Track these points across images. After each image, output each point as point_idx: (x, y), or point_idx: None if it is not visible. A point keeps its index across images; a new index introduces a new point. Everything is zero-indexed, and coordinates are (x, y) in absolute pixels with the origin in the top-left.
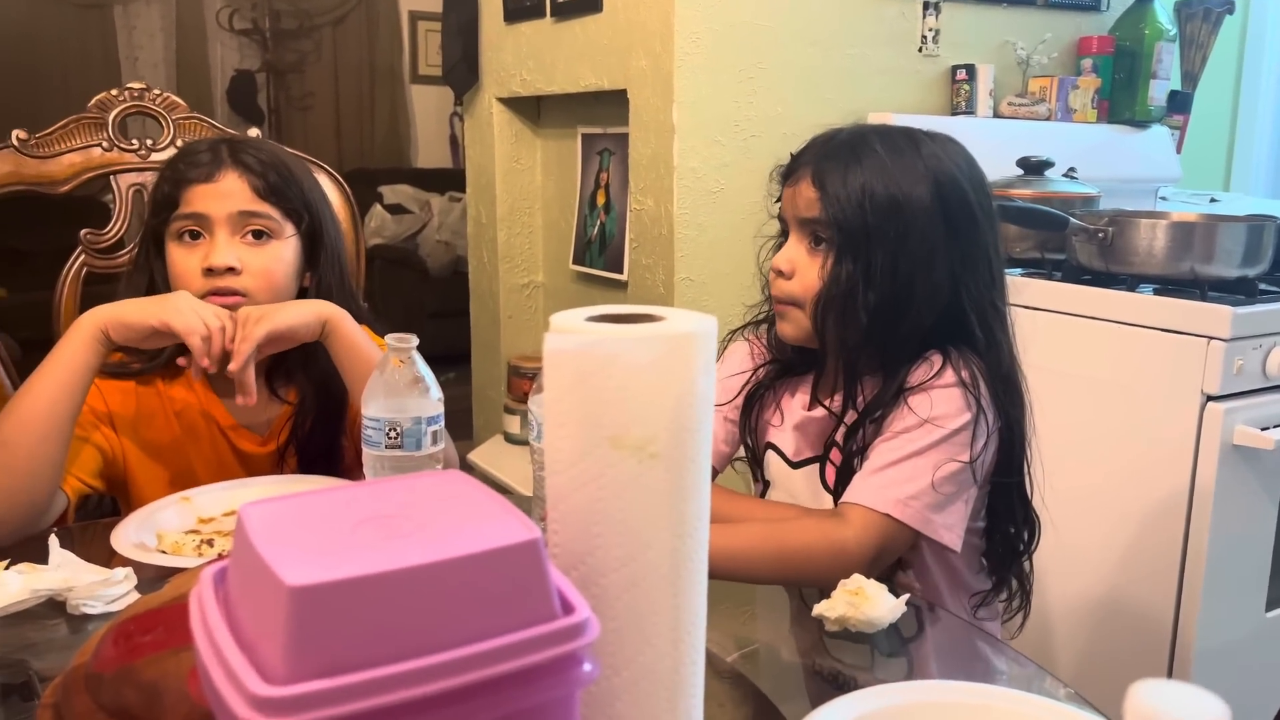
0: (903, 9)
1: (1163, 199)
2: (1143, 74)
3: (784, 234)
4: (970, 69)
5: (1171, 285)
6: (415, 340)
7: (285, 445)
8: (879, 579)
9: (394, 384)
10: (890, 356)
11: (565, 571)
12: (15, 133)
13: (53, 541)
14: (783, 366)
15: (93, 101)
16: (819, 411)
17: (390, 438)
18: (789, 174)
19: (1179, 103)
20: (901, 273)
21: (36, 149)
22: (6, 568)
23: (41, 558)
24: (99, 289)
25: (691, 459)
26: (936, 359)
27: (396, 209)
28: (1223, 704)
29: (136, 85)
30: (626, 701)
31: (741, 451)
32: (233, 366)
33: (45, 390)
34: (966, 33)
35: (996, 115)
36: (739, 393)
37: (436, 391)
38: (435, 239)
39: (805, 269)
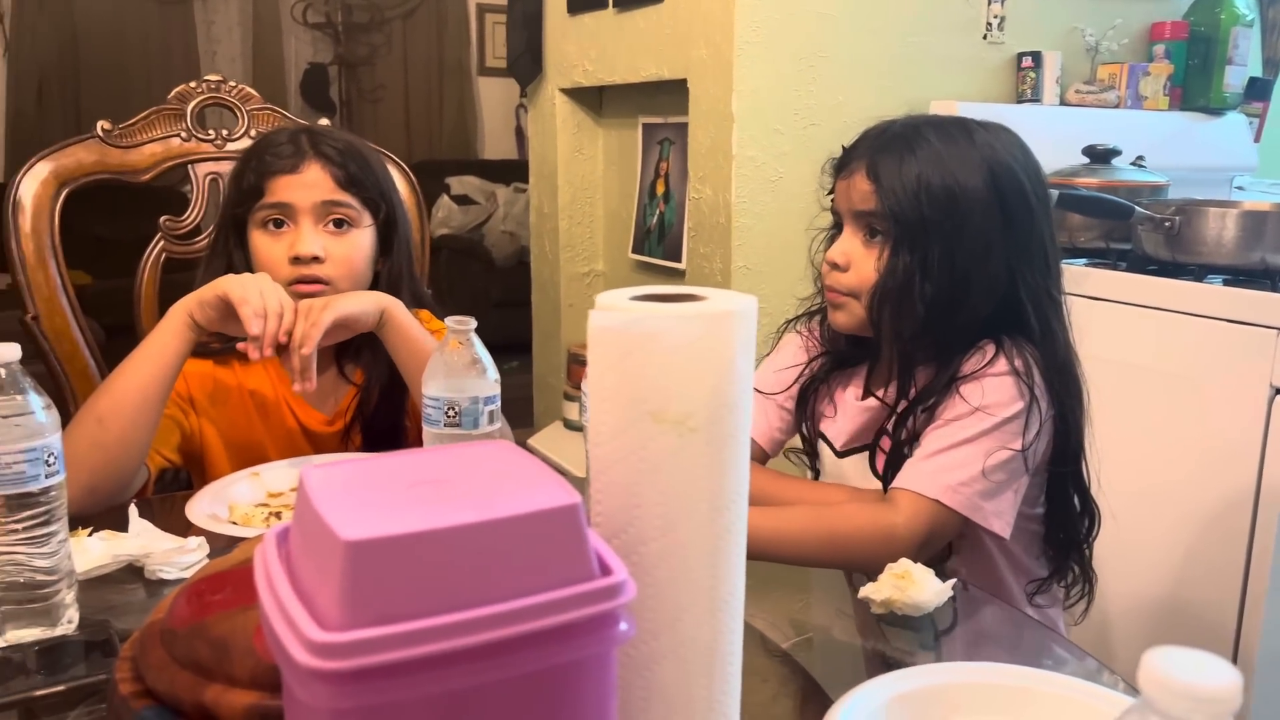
0: None
1: (1239, 188)
2: (1218, 60)
3: (837, 226)
4: (1036, 56)
5: (1241, 276)
6: (474, 323)
7: (350, 425)
8: (928, 565)
9: (453, 365)
10: (945, 346)
11: (607, 539)
12: (100, 123)
13: (132, 511)
14: (836, 358)
15: (172, 93)
16: (872, 402)
17: (449, 416)
18: (842, 166)
19: (1258, 89)
20: (958, 264)
21: (120, 139)
22: (90, 534)
23: (122, 526)
24: (177, 276)
25: (730, 434)
26: (989, 348)
27: (463, 200)
28: (1236, 671)
29: (214, 78)
30: (665, 666)
31: (799, 442)
32: (304, 350)
33: (139, 373)
34: (1033, 19)
35: (1063, 103)
36: (793, 383)
37: (493, 373)
38: (500, 229)
39: (861, 261)
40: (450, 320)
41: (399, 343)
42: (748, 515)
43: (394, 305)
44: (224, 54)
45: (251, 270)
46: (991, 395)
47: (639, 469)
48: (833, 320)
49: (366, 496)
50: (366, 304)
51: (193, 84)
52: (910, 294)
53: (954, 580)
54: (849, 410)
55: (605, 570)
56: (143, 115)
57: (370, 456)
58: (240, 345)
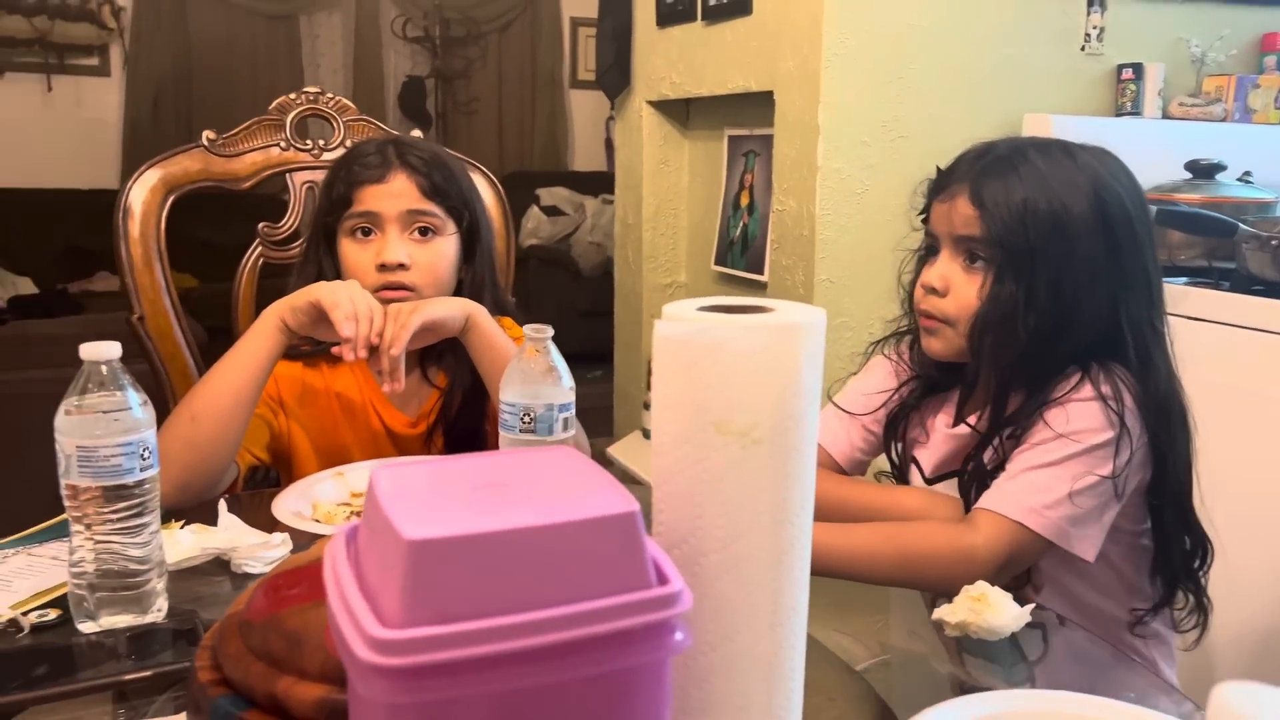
0: (1065, 6)
1: None
2: None
3: (930, 249)
4: (1137, 68)
5: None
6: (551, 331)
7: (433, 427)
8: (1008, 590)
9: (529, 372)
10: (1039, 373)
11: (668, 549)
12: (205, 133)
13: (221, 506)
14: (927, 384)
15: (273, 104)
16: (963, 428)
17: (524, 422)
18: (940, 188)
19: None
20: (1064, 293)
21: (223, 148)
22: (182, 527)
23: (211, 520)
24: (273, 280)
25: (795, 447)
26: (1077, 374)
27: (552, 210)
28: None
29: (312, 89)
30: (723, 678)
31: (887, 464)
32: (393, 351)
33: (232, 374)
34: (1134, 30)
35: (1165, 116)
36: (880, 407)
37: (568, 380)
38: (588, 240)
39: (961, 287)
40: (528, 328)
41: (482, 348)
42: (821, 532)
43: (478, 311)
44: (327, 66)
45: (340, 277)
46: (1076, 421)
47: (701, 479)
48: (927, 347)
49: (431, 498)
50: (453, 309)
51: (292, 95)
52: (1013, 323)
53: (1032, 605)
54: (939, 436)
55: (662, 579)
56: (245, 125)
57: (439, 459)
58: (335, 349)
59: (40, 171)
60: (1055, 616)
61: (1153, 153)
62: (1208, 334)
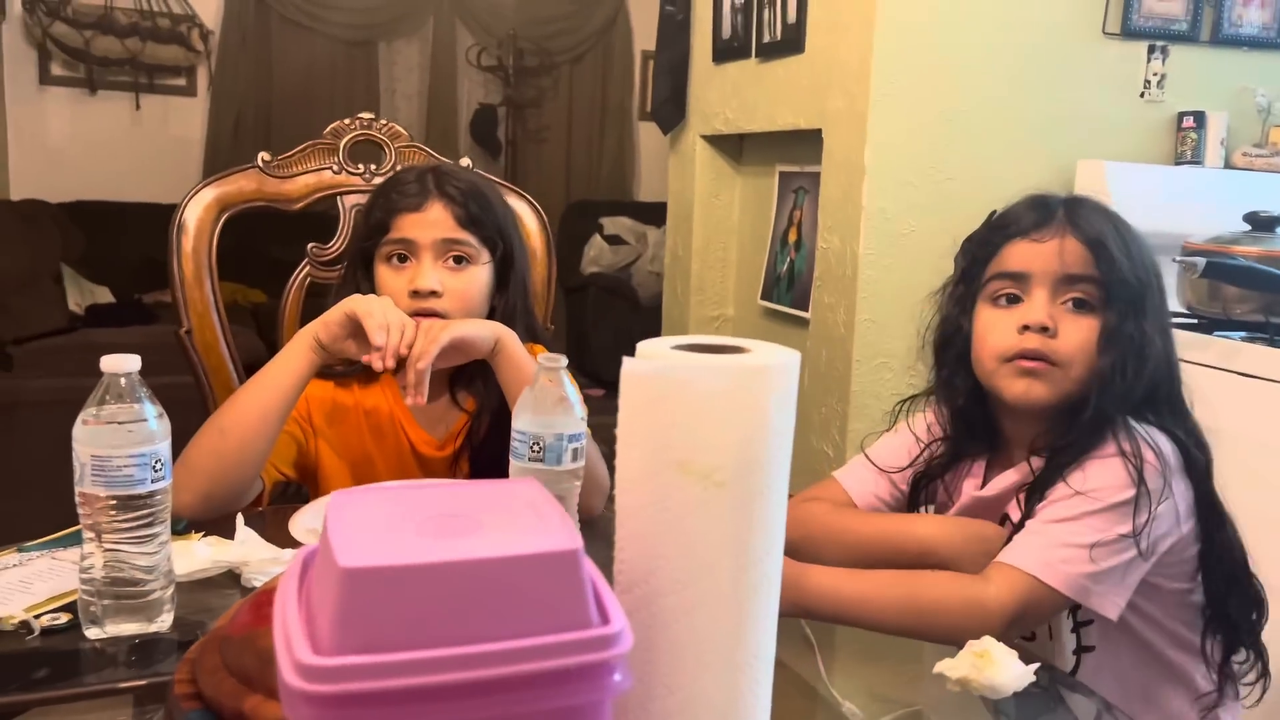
0: (1123, 51)
1: None
2: None
3: (1006, 295)
4: (1199, 116)
5: None
6: (564, 361)
7: (460, 451)
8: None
9: (541, 401)
10: (1107, 424)
11: (627, 588)
12: (261, 155)
13: (239, 520)
14: (955, 447)
15: (328, 129)
16: (991, 490)
17: (533, 451)
18: (1027, 228)
19: None
20: (1151, 338)
21: (277, 169)
22: (201, 538)
23: (231, 533)
24: (320, 300)
25: (759, 491)
26: (1097, 437)
27: (615, 240)
28: None
29: (366, 116)
30: None
31: None
32: (420, 365)
33: (263, 391)
34: (1197, 77)
35: (1228, 166)
36: (908, 466)
37: (580, 411)
38: (648, 270)
39: (1072, 329)
40: (542, 357)
41: (510, 372)
42: (829, 576)
43: (507, 335)
44: (402, 92)
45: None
46: (1095, 480)
47: (662, 519)
48: (1025, 392)
49: (379, 526)
50: (483, 330)
51: (346, 121)
52: (1125, 368)
53: (1036, 665)
54: (967, 500)
55: (606, 620)
56: (299, 149)
57: (402, 485)
58: (365, 358)
59: (125, 186)
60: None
61: (1212, 203)
62: (1260, 391)
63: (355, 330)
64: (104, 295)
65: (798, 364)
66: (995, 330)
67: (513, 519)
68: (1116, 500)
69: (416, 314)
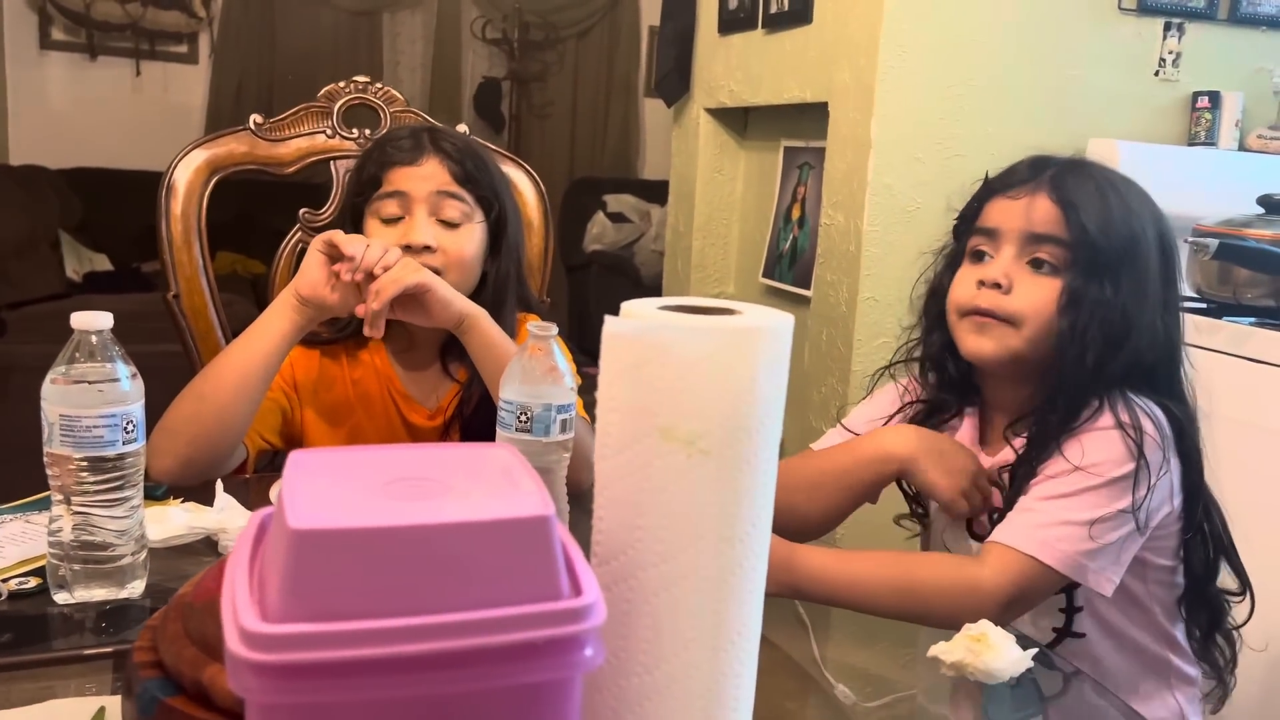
0: (1139, 28)
1: None
2: None
3: (974, 252)
4: (1214, 96)
5: None
6: (555, 329)
7: (450, 422)
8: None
9: (530, 370)
10: (1083, 395)
11: (605, 560)
12: (253, 117)
13: (219, 486)
14: (931, 408)
15: (321, 92)
16: (985, 458)
17: (520, 421)
18: (1004, 186)
19: None
20: (1129, 309)
21: (269, 132)
22: (181, 504)
23: (211, 501)
24: None
25: (746, 460)
26: (1094, 401)
27: (618, 217)
28: None
29: (361, 79)
30: (656, 702)
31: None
32: (374, 304)
33: (243, 353)
34: (1213, 57)
35: (1242, 148)
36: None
37: (570, 381)
38: (651, 248)
39: (1030, 288)
40: (532, 325)
41: (481, 351)
42: (821, 558)
43: (478, 315)
44: (405, 64)
45: None
46: (1094, 454)
47: (643, 487)
48: (975, 347)
49: (338, 487)
50: (453, 298)
51: (341, 84)
52: (1083, 332)
53: (1034, 650)
54: None
55: (578, 592)
56: (292, 111)
57: (366, 449)
58: (335, 266)
59: (125, 153)
60: (1067, 670)
61: (1226, 185)
62: (1271, 377)
63: (335, 258)
64: (102, 263)
65: (790, 328)
66: (960, 285)
67: (483, 484)
68: (1116, 475)
69: None
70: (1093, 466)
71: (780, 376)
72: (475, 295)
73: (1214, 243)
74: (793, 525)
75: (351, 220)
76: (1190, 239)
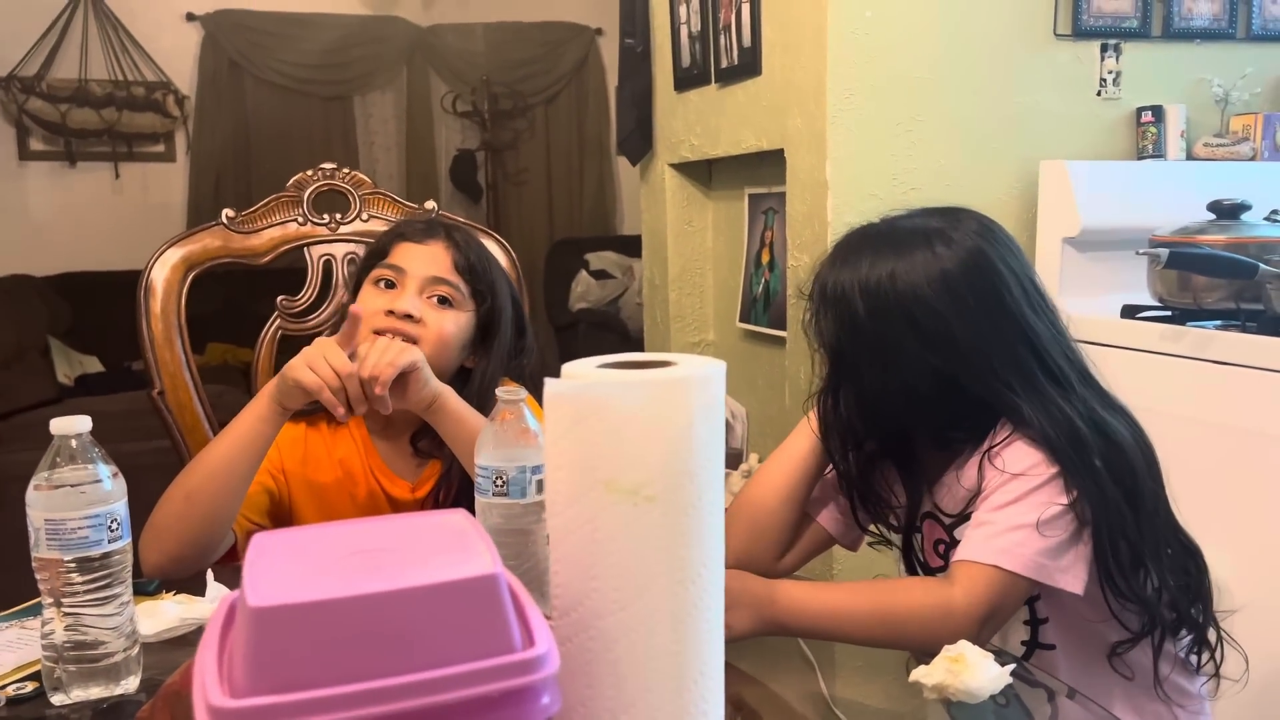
0: (1077, 52)
1: None
2: None
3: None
4: (1158, 110)
5: None
6: (524, 393)
7: (434, 492)
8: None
9: (503, 435)
10: (899, 453)
11: (565, 612)
12: (225, 211)
13: (209, 576)
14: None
15: (290, 181)
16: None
17: (496, 485)
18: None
19: None
20: (867, 383)
21: (241, 225)
22: (173, 596)
23: (203, 590)
24: (295, 353)
25: (691, 504)
26: (1004, 425)
27: (600, 274)
28: None
29: (328, 165)
30: None
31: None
32: (378, 390)
33: (228, 453)
34: (1152, 73)
35: (1190, 158)
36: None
37: (543, 442)
38: (635, 302)
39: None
40: (501, 390)
41: (453, 429)
42: (796, 590)
43: (447, 394)
44: (380, 143)
45: None
46: (1023, 461)
47: (593, 539)
48: None
49: (298, 564)
50: (430, 379)
51: (309, 172)
52: (836, 408)
53: (1011, 666)
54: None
55: (531, 643)
56: (263, 203)
57: (324, 526)
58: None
59: (109, 255)
60: (1062, 685)
61: (1177, 195)
62: (1237, 379)
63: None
64: (93, 365)
65: (722, 374)
66: None
67: (435, 549)
68: (1050, 474)
69: (389, 330)
70: (1026, 471)
71: (716, 421)
72: (460, 391)
73: (1165, 252)
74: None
75: (354, 289)
76: (1143, 251)
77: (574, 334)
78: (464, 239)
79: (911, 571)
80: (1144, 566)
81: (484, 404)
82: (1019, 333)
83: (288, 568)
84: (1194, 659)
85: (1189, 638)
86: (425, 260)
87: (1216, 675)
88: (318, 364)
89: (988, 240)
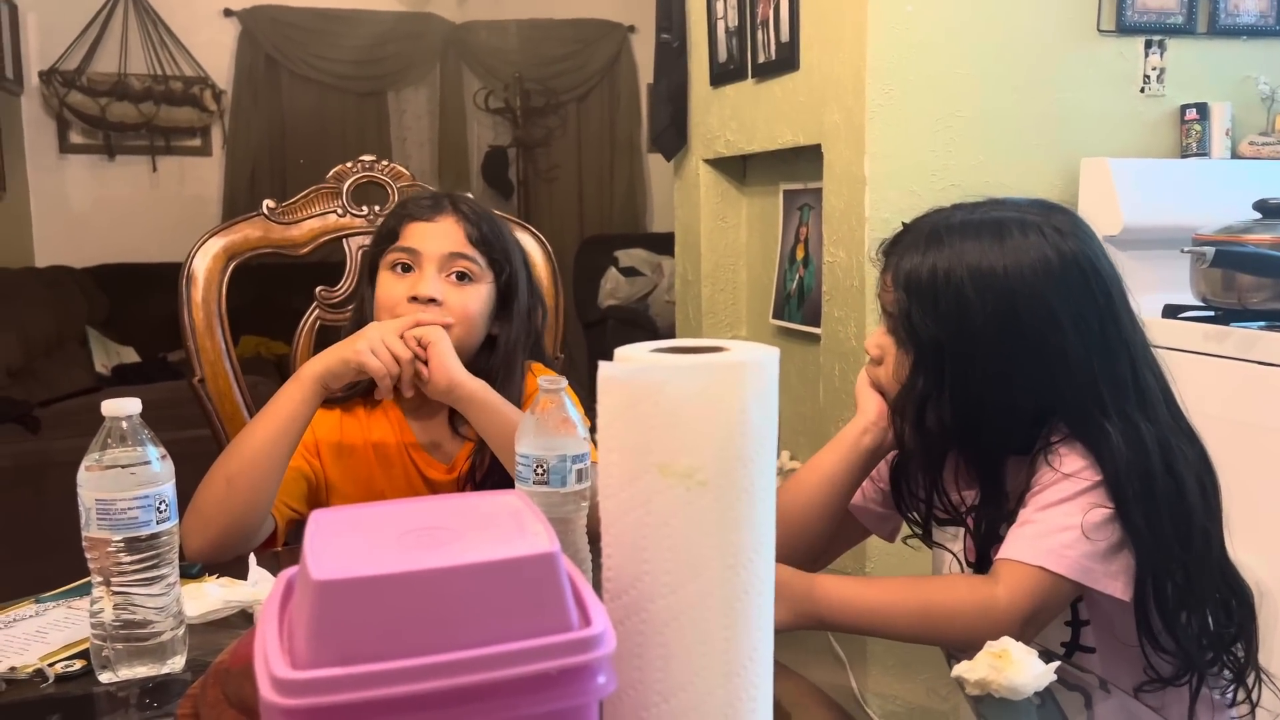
0: (1120, 48)
1: None
2: None
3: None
4: (1202, 107)
5: None
6: (564, 382)
7: (468, 474)
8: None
9: (543, 424)
10: (982, 459)
11: (615, 595)
12: (265, 202)
13: (252, 560)
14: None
15: (330, 173)
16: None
17: (537, 474)
18: (884, 257)
19: None
20: (977, 390)
21: (282, 215)
22: (216, 579)
23: (244, 575)
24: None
25: (744, 489)
26: (1057, 426)
27: (630, 271)
28: None
29: (368, 157)
30: None
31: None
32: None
33: (267, 434)
34: (1197, 70)
35: (1235, 156)
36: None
37: (583, 431)
38: (665, 299)
39: (889, 359)
40: (542, 380)
41: (478, 417)
42: (838, 585)
43: (473, 388)
44: (413, 139)
45: (374, 310)
46: (1075, 463)
47: (646, 522)
48: None
49: (357, 540)
50: (449, 365)
51: (348, 164)
52: (925, 412)
53: (1056, 664)
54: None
55: (588, 623)
56: (303, 194)
57: (381, 504)
58: (376, 395)
59: (146, 247)
60: (1097, 680)
61: (1222, 193)
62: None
63: (360, 369)
64: (129, 355)
65: (776, 360)
66: None
67: (492, 528)
68: (1100, 478)
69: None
70: (1077, 473)
71: (769, 406)
72: (484, 359)
73: (1211, 251)
74: (799, 548)
75: (368, 272)
76: (1187, 249)
77: (602, 331)
78: (470, 210)
79: (982, 557)
80: (1184, 613)
81: (510, 369)
82: (1122, 343)
83: (348, 543)
84: (1228, 695)
85: (1225, 676)
86: (438, 237)
87: (1252, 713)
88: (380, 350)
89: (1087, 238)
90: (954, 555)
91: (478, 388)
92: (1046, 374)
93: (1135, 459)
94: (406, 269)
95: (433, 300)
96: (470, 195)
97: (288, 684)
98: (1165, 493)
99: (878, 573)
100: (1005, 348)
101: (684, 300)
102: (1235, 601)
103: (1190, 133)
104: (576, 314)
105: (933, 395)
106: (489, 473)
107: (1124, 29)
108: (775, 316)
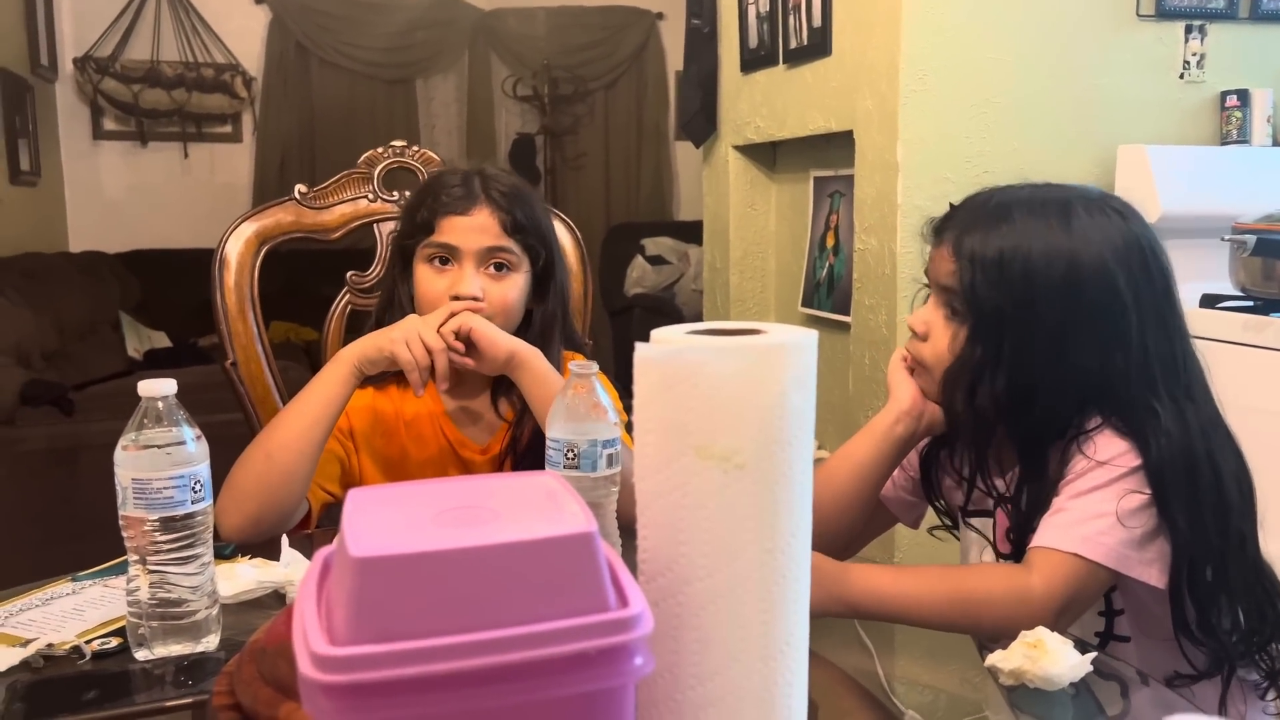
0: (1159, 33)
1: None
2: None
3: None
4: (1243, 94)
5: None
6: (595, 367)
7: (503, 454)
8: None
9: (574, 408)
10: (1029, 439)
11: (651, 578)
12: (297, 187)
13: (284, 541)
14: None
15: (361, 158)
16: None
17: (568, 458)
18: (936, 233)
19: None
20: (1032, 361)
21: (313, 200)
22: (247, 561)
23: (277, 556)
24: (362, 329)
25: (782, 472)
26: (1096, 417)
27: (656, 260)
28: None
29: (399, 143)
30: (711, 714)
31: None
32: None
33: (303, 415)
34: (1238, 56)
35: (1277, 144)
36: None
37: (614, 416)
38: (691, 288)
39: (938, 335)
40: (573, 364)
41: (532, 387)
42: (871, 574)
43: (526, 352)
44: (442, 127)
45: (413, 299)
46: (1111, 449)
47: (683, 505)
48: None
49: (395, 518)
50: (499, 338)
51: (379, 149)
52: (980, 384)
53: (1093, 654)
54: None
55: (625, 604)
56: (335, 179)
57: (418, 483)
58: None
59: (177, 233)
60: (1136, 672)
61: (1262, 181)
62: None
63: (390, 360)
64: (161, 340)
65: (814, 343)
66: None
67: (529, 508)
68: (1136, 464)
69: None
70: (1113, 460)
71: (808, 389)
72: (521, 334)
73: (1252, 239)
74: (830, 538)
75: (400, 262)
76: (1228, 237)
77: (629, 319)
78: (501, 194)
79: (1018, 546)
80: (1218, 605)
81: (546, 342)
82: (1175, 327)
83: (386, 521)
84: (1261, 685)
85: (1259, 674)
86: (475, 233)
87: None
88: (414, 342)
89: (1144, 221)
90: (987, 541)
91: (533, 354)
92: (1102, 350)
93: (1181, 440)
94: (445, 261)
95: (474, 299)
96: (494, 170)
97: (327, 660)
98: (1206, 479)
99: (907, 562)
100: (1067, 319)
101: (712, 288)
102: (1270, 604)
103: (1230, 120)
104: (602, 302)
105: (989, 366)
106: (523, 456)
107: (1164, 14)
108: (804, 304)
